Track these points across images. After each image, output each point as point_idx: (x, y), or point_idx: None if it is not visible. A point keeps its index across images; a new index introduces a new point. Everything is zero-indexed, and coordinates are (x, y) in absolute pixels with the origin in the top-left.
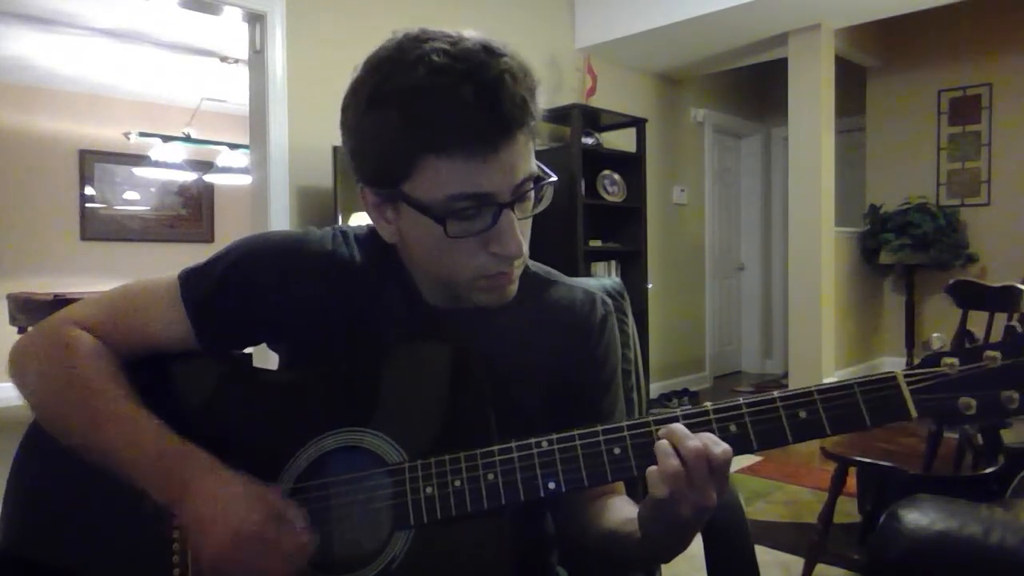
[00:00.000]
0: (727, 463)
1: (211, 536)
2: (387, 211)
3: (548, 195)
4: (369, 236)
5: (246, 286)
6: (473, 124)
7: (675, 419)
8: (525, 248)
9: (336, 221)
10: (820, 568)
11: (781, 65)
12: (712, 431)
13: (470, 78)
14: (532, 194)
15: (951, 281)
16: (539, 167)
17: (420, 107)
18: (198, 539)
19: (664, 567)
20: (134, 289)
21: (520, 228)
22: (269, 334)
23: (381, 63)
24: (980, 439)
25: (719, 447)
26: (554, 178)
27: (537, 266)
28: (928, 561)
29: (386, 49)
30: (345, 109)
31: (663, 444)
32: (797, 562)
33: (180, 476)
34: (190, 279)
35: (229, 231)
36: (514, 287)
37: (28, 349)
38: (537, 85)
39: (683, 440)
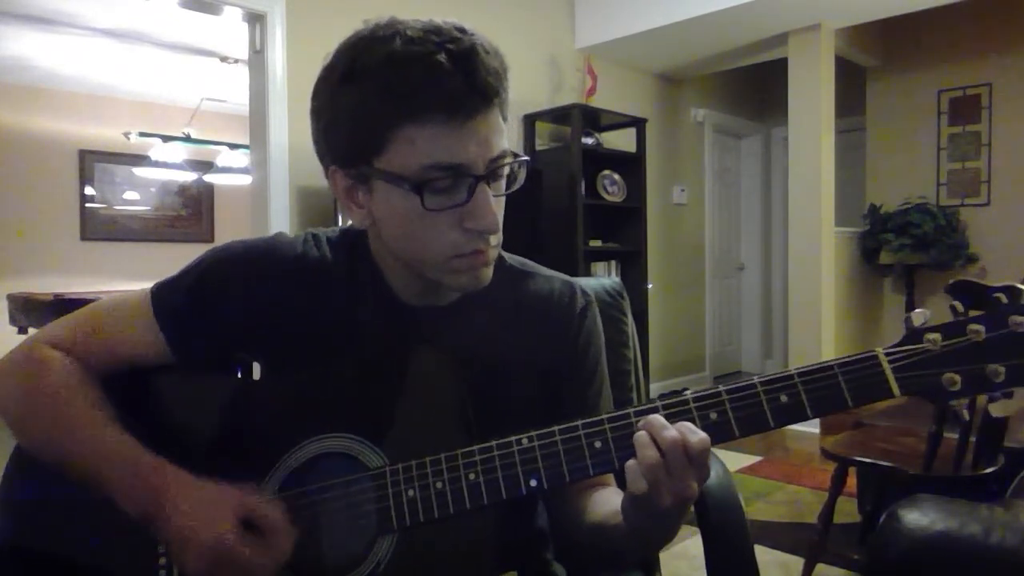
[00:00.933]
0: (705, 451)
1: (187, 552)
2: (358, 193)
3: (521, 176)
4: (341, 238)
5: (217, 295)
6: (449, 88)
7: (655, 409)
8: (499, 223)
9: (336, 221)
10: (820, 568)
11: (781, 65)
12: (692, 419)
13: (444, 47)
14: (506, 172)
15: (951, 281)
16: (512, 150)
17: (396, 74)
18: (176, 555)
19: (664, 566)
20: (107, 306)
21: (496, 205)
22: (244, 342)
23: (355, 43)
24: (967, 415)
25: (696, 436)
26: (526, 158)
27: (513, 258)
28: (928, 561)
29: (359, 33)
30: (316, 94)
31: (642, 435)
32: (797, 562)
33: (152, 492)
34: (162, 292)
35: (229, 231)
36: (489, 271)
37: (3, 372)
38: (507, 69)
39: (660, 431)
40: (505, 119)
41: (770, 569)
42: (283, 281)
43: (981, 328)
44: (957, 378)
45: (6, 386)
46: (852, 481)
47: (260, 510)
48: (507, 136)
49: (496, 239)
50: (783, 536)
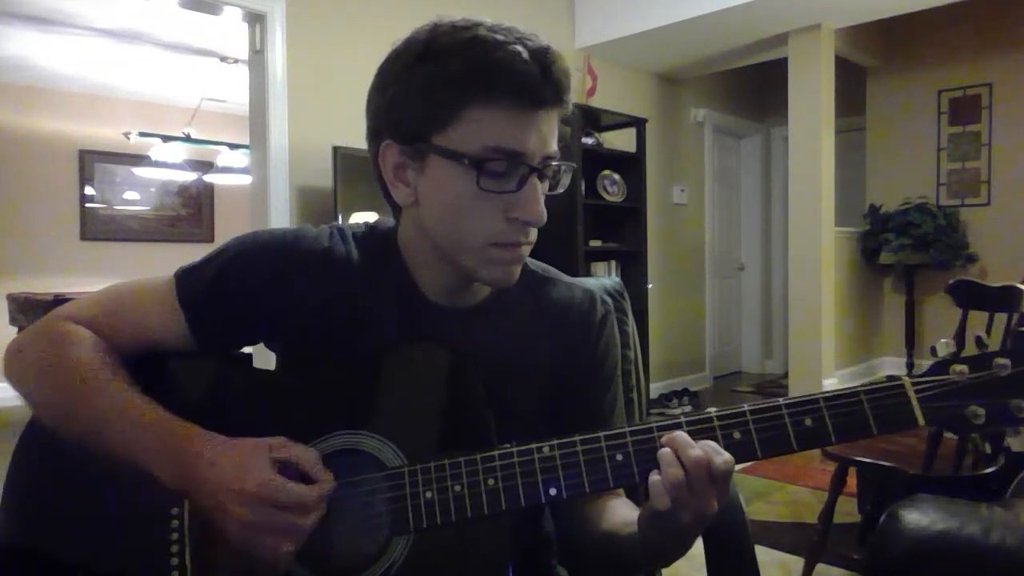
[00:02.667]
0: (729, 473)
1: (230, 504)
2: (408, 171)
3: (565, 181)
4: (367, 234)
5: (241, 284)
6: (525, 75)
7: (678, 426)
8: (544, 216)
9: (336, 221)
10: (820, 568)
11: (781, 65)
12: (716, 438)
13: (524, 42)
14: (551, 174)
15: (951, 281)
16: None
17: (478, 54)
18: (213, 512)
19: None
20: (129, 287)
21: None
22: (265, 333)
23: (435, 27)
24: (989, 448)
25: (720, 457)
26: (574, 164)
27: (535, 264)
28: (928, 561)
29: (436, 22)
30: (384, 69)
31: (666, 453)
32: (797, 562)
33: (181, 451)
34: (185, 277)
35: (229, 231)
36: (519, 268)
37: (24, 345)
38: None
39: (685, 449)
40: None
41: (770, 569)
42: (308, 274)
43: (1007, 363)
44: (981, 411)
45: (27, 358)
46: (852, 481)
47: (296, 452)
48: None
49: (534, 235)
50: (783, 536)
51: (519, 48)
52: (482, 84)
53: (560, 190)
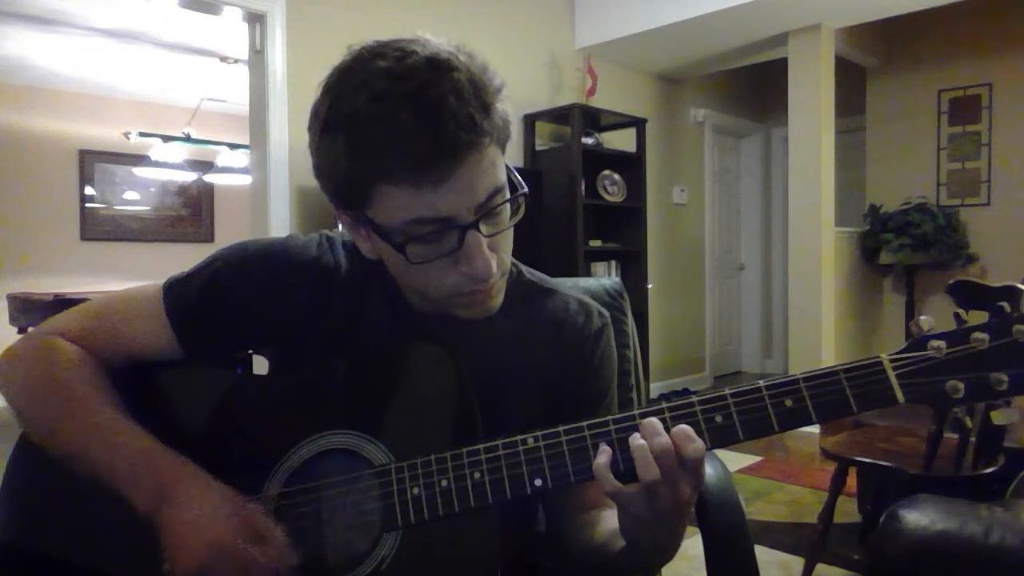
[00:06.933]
0: (699, 459)
1: (187, 547)
2: (361, 229)
3: (520, 209)
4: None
5: (230, 294)
6: (416, 151)
7: (660, 411)
8: (495, 267)
9: (336, 222)
10: (820, 568)
11: (781, 65)
12: (697, 422)
13: (413, 100)
14: (504, 207)
15: (951, 281)
16: (512, 177)
17: (362, 136)
18: (174, 549)
19: (664, 566)
20: (118, 299)
21: (494, 243)
22: (254, 341)
23: (331, 87)
24: (968, 420)
25: (692, 444)
26: (524, 190)
27: (533, 273)
28: (928, 561)
29: (337, 70)
30: (309, 130)
31: (635, 438)
32: (797, 562)
33: (158, 483)
34: (174, 288)
35: (229, 231)
36: (496, 300)
37: (13, 358)
38: (497, 93)
39: (652, 437)
40: (503, 147)
41: (770, 569)
42: (296, 284)
43: (985, 337)
44: (960, 386)
45: (14, 373)
46: (852, 481)
47: (263, 520)
48: (501, 166)
49: (495, 277)
50: (783, 536)
51: (404, 116)
52: (376, 169)
53: (519, 217)
